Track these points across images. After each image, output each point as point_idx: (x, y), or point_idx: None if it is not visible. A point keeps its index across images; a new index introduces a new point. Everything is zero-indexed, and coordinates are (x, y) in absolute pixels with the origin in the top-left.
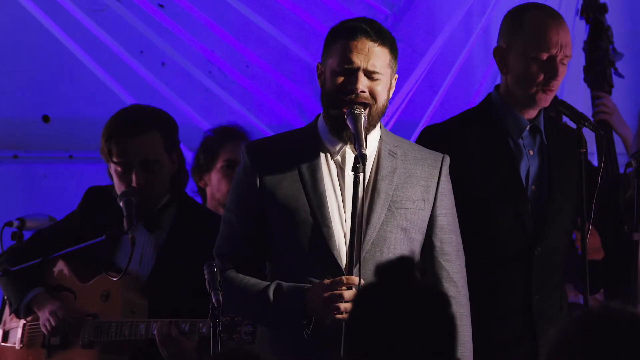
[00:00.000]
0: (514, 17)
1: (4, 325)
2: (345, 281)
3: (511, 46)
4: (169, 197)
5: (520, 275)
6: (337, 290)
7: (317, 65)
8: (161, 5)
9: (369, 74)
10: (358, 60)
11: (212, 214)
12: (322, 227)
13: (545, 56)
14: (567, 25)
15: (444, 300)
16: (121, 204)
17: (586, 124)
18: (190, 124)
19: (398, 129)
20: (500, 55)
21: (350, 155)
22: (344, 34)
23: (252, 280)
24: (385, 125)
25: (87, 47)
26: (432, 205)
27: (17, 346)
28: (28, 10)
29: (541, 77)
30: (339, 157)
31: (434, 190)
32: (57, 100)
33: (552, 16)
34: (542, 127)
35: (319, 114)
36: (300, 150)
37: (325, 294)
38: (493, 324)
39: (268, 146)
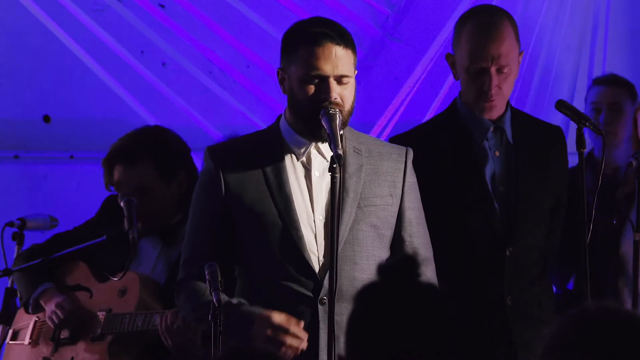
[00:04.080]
0: (457, 27)
1: (15, 324)
2: (291, 330)
3: (455, 56)
4: (181, 215)
5: (493, 276)
6: (280, 335)
7: (277, 71)
8: (162, 5)
9: (339, 79)
10: (327, 67)
11: None
12: (291, 230)
13: (478, 68)
14: (507, 33)
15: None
16: (122, 204)
17: (587, 124)
18: (191, 124)
19: (398, 129)
20: (450, 62)
21: (315, 156)
22: (307, 40)
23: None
24: (386, 126)
25: (87, 47)
26: (399, 200)
27: (26, 342)
28: (29, 10)
29: (479, 87)
30: (304, 158)
31: (400, 184)
32: (58, 101)
33: (487, 27)
34: (506, 127)
35: (280, 115)
36: (264, 152)
37: (268, 332)
38: (468, 326)
39: (231, 149)
